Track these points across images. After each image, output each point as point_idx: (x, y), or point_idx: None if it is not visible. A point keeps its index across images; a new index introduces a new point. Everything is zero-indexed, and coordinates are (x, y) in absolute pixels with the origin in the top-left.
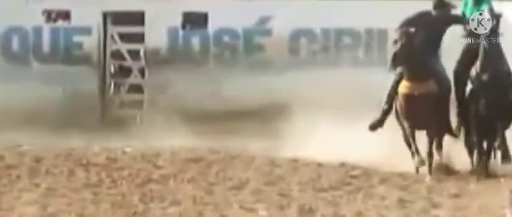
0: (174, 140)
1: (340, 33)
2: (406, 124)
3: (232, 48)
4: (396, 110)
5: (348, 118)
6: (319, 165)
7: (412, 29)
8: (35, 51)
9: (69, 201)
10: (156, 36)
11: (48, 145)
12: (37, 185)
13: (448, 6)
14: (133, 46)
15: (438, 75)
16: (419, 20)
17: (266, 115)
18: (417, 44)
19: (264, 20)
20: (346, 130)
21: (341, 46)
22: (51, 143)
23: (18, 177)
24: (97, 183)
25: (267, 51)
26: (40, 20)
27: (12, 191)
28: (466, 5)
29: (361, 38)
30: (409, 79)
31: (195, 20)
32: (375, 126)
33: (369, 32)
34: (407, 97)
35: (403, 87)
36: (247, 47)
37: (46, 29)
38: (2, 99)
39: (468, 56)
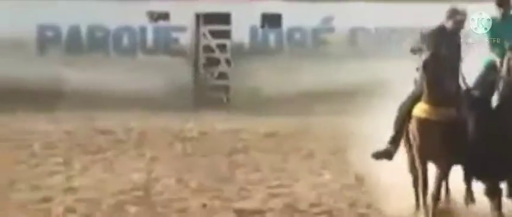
0: (255, 117)
1: (390, 31)
2: (416, 154)
3: (302, 43)
4: (407, 136)
5: (397, 101)
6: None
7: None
8: (141, 46)
9: (169, 168)
10: (240, 33)
11: (151, 123)
12: (142, 155)
13: (463, 16)
14: (221, 41)
15: (459, 101)
16: (440, 34)
17: (330, 97)
18: (443, 60)
19: (327, 20)
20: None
21: (390, 41)
22: (154, 121)
23: (127, 148)
24: (191, 153)
25: (329, 45)
26: (145, 20)
27: (123, 160)
28: (489, 27)
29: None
30: (429, 101)
31: (271, 20)
32: (380, 156)
33: (413, 30)
34: (424, 122)
35: (420, 110)
36: (314, 42)
37: (150, 27)
38: (116, 85)
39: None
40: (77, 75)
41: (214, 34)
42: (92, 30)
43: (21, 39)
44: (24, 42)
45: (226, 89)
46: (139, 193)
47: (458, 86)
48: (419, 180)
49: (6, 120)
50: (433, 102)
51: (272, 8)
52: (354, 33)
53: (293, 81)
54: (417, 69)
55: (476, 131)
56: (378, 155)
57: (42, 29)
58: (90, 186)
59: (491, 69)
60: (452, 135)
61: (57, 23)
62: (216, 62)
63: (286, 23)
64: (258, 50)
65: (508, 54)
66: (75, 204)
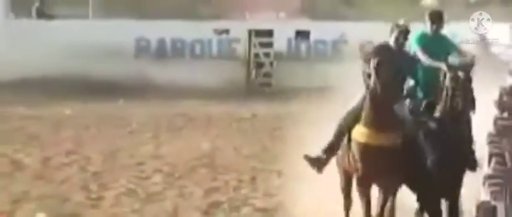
0: (289, 104)
1: None
2: (359, 179)
3: (324, 52)
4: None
5: None
6: None
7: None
8: (208, 53)
9: (228, 141)
10: (279, 44)
11: (215, 108)
12: (209, 132)
13: (401, 29)
14: (266, 50)
15: (403, 126)
16: (385, 54)
17: (343, 90)
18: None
19: (343, 35)
20: None
21: None
22: (217, 107)
23: (198, 127)
24: (244, 130)
25: (344, 53)
26: (211, 35)
27: (195, 135)
28: (419, 39)
29: None
30: (370, 126)
31: (302, 35)
32: (311, 161)
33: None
34: (364, 147)
35: (360, 134)
36: (333, 51)
37: (215, 40)
38: (190, 81)
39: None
40: (162, 74)
41: (261, 44)
42: (173, 41)
43: (123, 48)
44: (125, 50)
45: (269, 84)
46: (206, 159)
47: (403, 108)
48: (363, 204)
49: (111, 107)
50: (374, 126)
51: (303, 26)
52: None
53: (317, 79)
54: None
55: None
56: (310, 160)
57: (138, 41)
58: (171, 153)
59: (429, 75)
60: (395, 159)
61: (148, 37)
62: (262, 65)
63: (313, 37)
64: (292, 56)
65: (449, 85)
66: (161, 166)
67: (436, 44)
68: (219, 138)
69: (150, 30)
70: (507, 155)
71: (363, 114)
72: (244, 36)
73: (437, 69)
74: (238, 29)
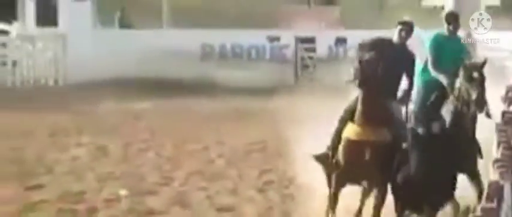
0: (330, 98)
1: None
2: (338, 176)
3: None
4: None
5: None
6: None
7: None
8: (262, 57)
9: (280, 130)
10: (321, 49)
11: (268, 103)
12: (261, 122)
13: (405, 27)
14: (310, 54)
15: (394, 123)
16: (380, 48)
17: None
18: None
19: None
20: None
21: None
22: (270, 102)
23: (253, 119)
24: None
25: None
26: (265, 41)
27: (250, 126)
28: (435, 39)
29: None
30: (359, 122)
31: (341, 41)
32: (318, 158)
33: None
34: (352, 145)
35: (351, 132)
36: None
37: (268, 46)
38: (247, 80)
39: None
40: (224, 74)
41: (306, 49)
42: (233, 47)
43: (190, 52)
44: (192, 54)
45: (311, 81)
46: (260, 145)
47: (396, 105)
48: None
49: (179, 101)
50: (363, 121)
51: (341, 34)
52: None
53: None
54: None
55: (416, 160)
56: (317, 158)
57: (203, 46)
58: (231, 141)
59: (432, 89)
60: (383, 157)
61: (212, 43)
62: (307, 67)
63: (349, 43)
64: (332, 59)
65: (459, 80)
66: (222, 151)
67: (451, 45)
68: (271, 128)
69: (214, 38)
70: None
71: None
72: (292, 42)
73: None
74: (287, 36)
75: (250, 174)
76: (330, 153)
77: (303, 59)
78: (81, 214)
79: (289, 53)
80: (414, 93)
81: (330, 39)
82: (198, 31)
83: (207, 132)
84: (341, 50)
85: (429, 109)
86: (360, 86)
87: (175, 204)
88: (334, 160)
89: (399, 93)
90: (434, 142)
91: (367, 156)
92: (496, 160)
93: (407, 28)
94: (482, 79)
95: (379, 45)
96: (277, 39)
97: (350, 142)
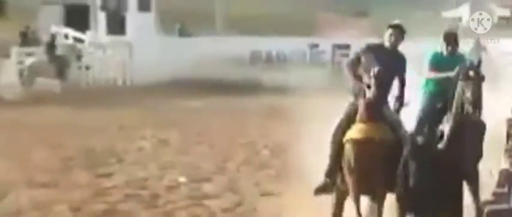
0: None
1: None
2: (351, 183)
3: None
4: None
5: None
6: None
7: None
8: (303, 61)
9: (319, 125)
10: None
11: (309, 99)
12: (304, 120)
13: (395, 30)
14: (345, 58)
15: (392, 122)
16: (374, 52)
17: None
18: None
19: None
20: None
21: None
22: (310, 100)
23: (295, 115)
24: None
25: None
26: (306, 48)
27: (293, 122)
28: (433, 59)
29: None
30: (366, 120)
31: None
32: (320, 191)
33: None
34: (361, 144)
35: (355, 131)
36: None
37: (308, 52)
38: (291, 81)
39: None
40: (270, 76)
41: (342, 55)
42: (278, 53)
43: (241, 57)
44: (243, 59)
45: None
46: (302, 138)
47: (389, 108)
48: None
49: (230, 100)
50: (370, 119)
51: (372, 41)
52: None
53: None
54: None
55: (420, 167)
56: (318, 190)
57: (252, 52)
58: (275, 134)
59: (436, 99)
60: (392, 156)
61: (260, 49)
62: (342, 70)
63: None
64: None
65: (459, 86)
66: (267, 143)
67: (451, 64)
68: (312, 124)
69: (261, 44)
70: None
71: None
72: (329, 49)
73: (447, 80)
74: (325, 43)
75: (292, 163)
76: (329, 180)
77: (339, 63)
78: (145, 198)
79: (326, 58)
80: (417, 103)
81: (362, 45)
82: (247, 38)
83: (254, 127)
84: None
85: (432, 119)
86: (378, 88)
87: (227, 190)
88: (337, 179)
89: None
90: (434, 152)
91: (377, 156)
92: (507, 150)
93: (397, 31)
94: (478, 78)
95: (373, 50)
96: (316, 45)
97: (355, 143)
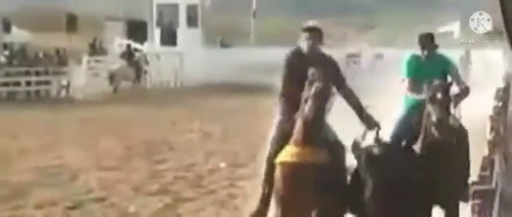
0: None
1: None
2: (278, 206)
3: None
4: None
5: None
6: None
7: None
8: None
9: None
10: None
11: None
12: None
13: (311, 33)
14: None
15: (331, 144)
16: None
17: None
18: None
19: None
20: None
21: None
22: None
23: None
24: None
25: None
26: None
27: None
28: (409, 63)
29: None
30: (300, 143)
31: (379, 56)
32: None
33: None
34: (293, 168)
35: (287, 154)
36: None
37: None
38: None
39: None
40: None
41: (354, 62)
42: None
43: (272, 65)
44: (273, 66)
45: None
46: None
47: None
48: None
49: (261, 100)
50: (305, 142)
51: (379, 52)
52: None
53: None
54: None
55: (374, 182)
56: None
57: (280, 61)
58: None
59: (414, 111)
60: (326, 181)
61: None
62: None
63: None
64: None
65: (427, 108)
66: None
67: (430, 67)
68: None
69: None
70: (501, 128)
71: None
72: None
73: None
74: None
75: None
76: (263, 208)
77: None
78: (191, 179)
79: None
80: (397, 117)
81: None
82: (280, 49)
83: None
84: (379, 62)
85: (410, 135)
86: (317, 106)
87: (258, 174)
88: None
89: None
90: (398, 164)
91: (306, 181)
92: (489, 142)
93: (314, 35)
94: (445, 100)
95: (295, 59)
96: (354, 56)
97: (286, 166)
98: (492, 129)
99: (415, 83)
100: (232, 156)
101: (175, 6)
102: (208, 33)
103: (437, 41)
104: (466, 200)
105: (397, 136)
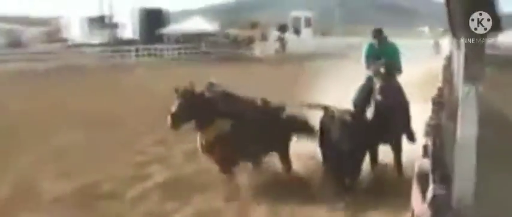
0: None
1: None
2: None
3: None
4: None
5: None
6: None
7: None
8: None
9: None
10: None
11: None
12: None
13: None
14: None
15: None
16: None
17: None
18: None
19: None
20: None
21: None
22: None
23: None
24: None
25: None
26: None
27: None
28: (368, 49)
29: None
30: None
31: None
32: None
33: None
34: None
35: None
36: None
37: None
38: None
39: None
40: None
41: None
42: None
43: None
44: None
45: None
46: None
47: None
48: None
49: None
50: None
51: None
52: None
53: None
54: None
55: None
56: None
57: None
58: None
59: (368, 82)
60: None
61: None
62: None
63: None
64: None
65: (374, 80)
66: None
67: (382, 51)
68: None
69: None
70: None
71: None
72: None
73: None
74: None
75: None
76: None
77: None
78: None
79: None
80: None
81: None
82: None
83: (315, 87)
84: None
85: (363, 103)
86: None
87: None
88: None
89: None
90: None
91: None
92: (428, 125)
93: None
94: (386, 74)
95: None
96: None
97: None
98: (434, 103)
99: (368, 62)
100: None
101: (299, 19)
102: (316, 29)
103: (416, 36)
104: (412, 139)
105: (357, 99)
